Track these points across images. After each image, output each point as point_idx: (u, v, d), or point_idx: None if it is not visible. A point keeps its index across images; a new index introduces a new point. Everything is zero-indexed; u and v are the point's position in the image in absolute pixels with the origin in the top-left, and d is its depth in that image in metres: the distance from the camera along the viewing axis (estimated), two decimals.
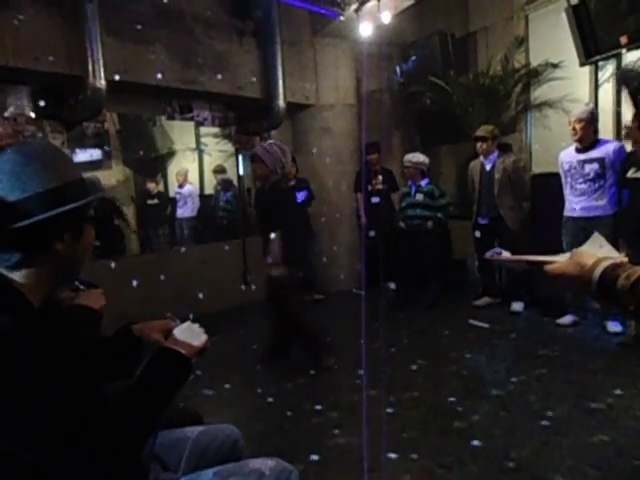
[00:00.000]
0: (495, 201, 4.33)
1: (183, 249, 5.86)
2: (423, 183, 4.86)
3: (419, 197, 4.80)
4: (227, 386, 3.22)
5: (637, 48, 3.44)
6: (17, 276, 0.93)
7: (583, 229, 3.62)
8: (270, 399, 2.98)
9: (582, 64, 3.72)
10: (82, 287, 1.53)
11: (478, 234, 4.55)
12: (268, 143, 3.36)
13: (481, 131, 4.40)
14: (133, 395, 1.00)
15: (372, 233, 5.30)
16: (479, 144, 4.39)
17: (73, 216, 0.96)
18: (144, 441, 1.00)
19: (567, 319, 3.88)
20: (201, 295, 4.60)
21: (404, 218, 4.87)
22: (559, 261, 1.01)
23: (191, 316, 1.26)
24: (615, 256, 0.96)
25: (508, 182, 4.30)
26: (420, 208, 4.79)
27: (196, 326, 1.13)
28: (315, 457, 2.31)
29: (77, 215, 0.98)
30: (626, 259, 0.93)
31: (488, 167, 4.43)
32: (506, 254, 1.18)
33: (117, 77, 3.99)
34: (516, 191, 4.34)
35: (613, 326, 3.62)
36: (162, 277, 4.65)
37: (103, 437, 0.90)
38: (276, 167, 3.19)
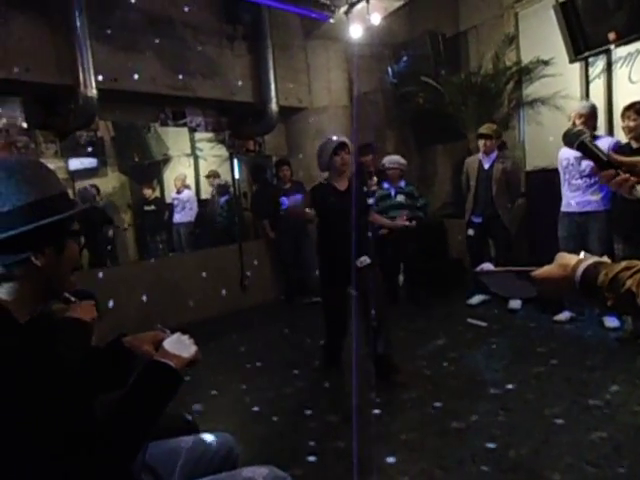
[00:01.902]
0: (492, 200, 4.32)
1: (180, 255, 5.88)
2: (402, 184, 4.83)
3: (400, 198, 4.76)
4: (225, 392, 3.22)
5: (625, 44, 3.46)
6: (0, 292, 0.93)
7: (578, 224, 3.64)
8: (268, 404, 2.97)
9: (572, 61, 3.73)
10: (73, 299, 1.53)
11: (472, 232, 4.54)
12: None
13: (485, 129, 4.36)
14: (123, 408, 1.00)
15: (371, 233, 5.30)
16: (482, 141, 4.34)
17: (54, 230, 0.96)
18: (134, 453, 1.00)
19: (564, 315, 3.88)
20: (198, 301, 4.61)
21: None
22: (544, 267, 1.02)
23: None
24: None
25: (505, 182, 4.30)
26: (401, 209, 4.71)
27: (186, 337, 1.13)
28: (314, 461, 2.31)
29: (58, 229, 0.98)
30: (608, 260, 0.94)
31: (486, 166, 4.39)
32: (489, 266, 1.17)
33: (108, 86, 3.99)
34: (512, 192, 4.37)
35: (610, 321, 3.63)
36: (160, 283, 4.66)
37: (92, 450, 0.91)
38: None
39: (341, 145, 2.98)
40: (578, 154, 3.80)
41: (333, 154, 2.99)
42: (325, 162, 3.07)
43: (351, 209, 2.90)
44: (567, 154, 3.70)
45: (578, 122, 3.51)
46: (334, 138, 3.05)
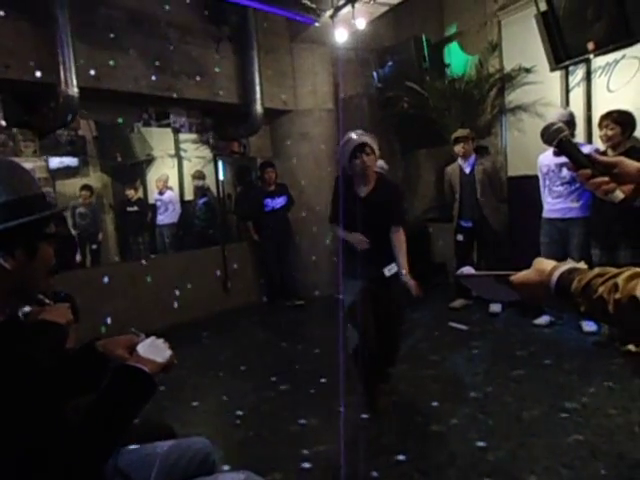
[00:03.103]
0: (478, 203, 4.39)
1: (163, 256, 5.82)
2: None
3: None
4: (205, 396, 3.19)
5: (604, 54, 3.54)
6: None
7: (559, 229, 3.71)
8: (249, 408, 2.95)
9: (552, 69, 3.79)
10: (48, 301, 1.50)
11: (461, 237, 4.59)
12: (359, 131, 2.75)
13: (460, 132, 4.44)
14: (94, 413, 0.99)
15: None
16: (460, 145, 4.40)
17: (25, 232, 0.94)
18: (104, 458, 0.99)
19: (543, 319, 3.94)
20: (181, 303, 4.57)
21: None
22: (522, 272, 1.03)
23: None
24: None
25: (488, 183, 4.39)
26: None
27: (160, 341, 1.11)
28: (294, 465, 2.30)
29: (30, 231, 0.96)
30: (585, 266, 0.95)
31: (467, 170, 4.47)
32: (470, 270, 1.18)
33: (90, 84, 3.93)
34: (496, 192, 4.46)
35: (588, 326, 3.69)
36: (142, 285, 4.61)
37: (62, 454, 0.89)
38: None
39: (360, 146, 2.64)
40: (558, 160, 3.88)
41: (352, 157, 2.66)
42: (345, 166, 2.75)
43: (371, 218, 2.63)
44: (547, 160, 3.76)
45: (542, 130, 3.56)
46: (354, 137, 2.70)
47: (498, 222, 4.49)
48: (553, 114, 3.72)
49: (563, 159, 3.96)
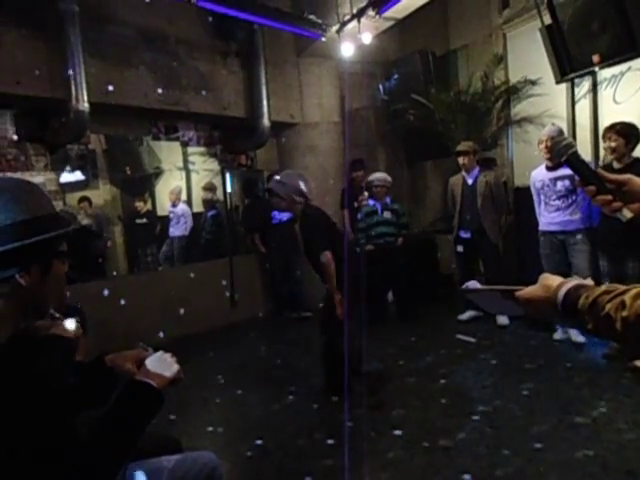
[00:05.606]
0: (478, 214, 4.42)
1: (171, 268, 5.84)
2: (388, 201, 4.84)
3: (387, 215, 4.78)
4: (211, 409, 3.19)
5: (609, 66, 3.55)
6: None
7: (560, 241, 3.70)
8: (256, 421, 2.94)
9: (558, 81, 3.81)
10: (58, 315, 1.52)
11: (460, 248, 4.61)
12: (284, 173, 3.26)
13: (463, 146, 4.48)
14: (103, 427, 1.00)
15: (359, 249, 5.32)
16: (461, 158, 4.46)
17: (40, 249, 0.97)
18: (114, 473, 0.99)
19: (558, 334, 3.88)
20: (187, 315, 4.58)
21: (368, 239, 4.77)
22: (528, 287, 1.03)
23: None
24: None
25: (490, 196, 4.41)
26: (387, 226, 4.75)
27: (168, 356, 1.13)
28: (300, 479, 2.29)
29: (45, 249, 0.98)
30: (592, 282, 0.95)
31: (470, 181, 4.51)
32: (475, 284, 1.18)
33: (100, 99, 4.00)
34: (497, 205, 4.47)
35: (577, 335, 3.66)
36: (150, 297, 4.63)
37: (72, 470, 0.90)
38: (292, 195, 3.05)
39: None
40: (552, 175, 3.88)
41: None
42: None
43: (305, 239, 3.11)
44: (541, 176, 3.78)
45: (550, 145, 3.57)
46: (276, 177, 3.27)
47: (497, 235, 4.49)
48: (545, 130, 3.74)
49: (557, 173, 3.97)
